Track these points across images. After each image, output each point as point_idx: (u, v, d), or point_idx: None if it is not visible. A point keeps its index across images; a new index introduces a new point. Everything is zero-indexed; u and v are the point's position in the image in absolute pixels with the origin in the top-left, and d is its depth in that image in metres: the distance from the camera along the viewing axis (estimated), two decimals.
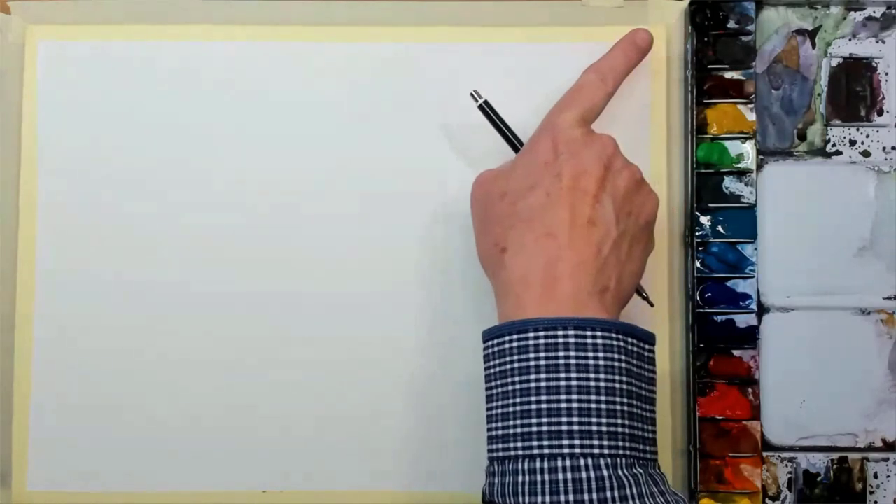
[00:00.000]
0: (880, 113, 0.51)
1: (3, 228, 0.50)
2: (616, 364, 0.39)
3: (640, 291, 0.47)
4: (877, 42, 0.51)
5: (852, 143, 0.51)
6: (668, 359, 0.49)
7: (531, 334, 0.39)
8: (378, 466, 0.49)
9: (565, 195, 0.42)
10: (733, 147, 0.50)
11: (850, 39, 0.51)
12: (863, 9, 0.51)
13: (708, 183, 0.50)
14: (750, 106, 0.50)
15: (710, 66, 0.50)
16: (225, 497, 0.49)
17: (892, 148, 0.51)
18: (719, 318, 0.49)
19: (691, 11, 0.50)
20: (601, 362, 0.39)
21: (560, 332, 0.39)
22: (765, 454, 0.49)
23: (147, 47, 0.51)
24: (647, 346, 0.41)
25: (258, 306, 0.50)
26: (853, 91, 0.51)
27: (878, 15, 0.51)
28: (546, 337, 0.39)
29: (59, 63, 0.51)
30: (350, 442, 0.50)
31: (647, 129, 0.50)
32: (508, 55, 0.51)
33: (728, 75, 0.50)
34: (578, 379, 0.38)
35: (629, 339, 0.40)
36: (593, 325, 0.39)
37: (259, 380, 0.50)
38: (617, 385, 0.39)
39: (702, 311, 0.49)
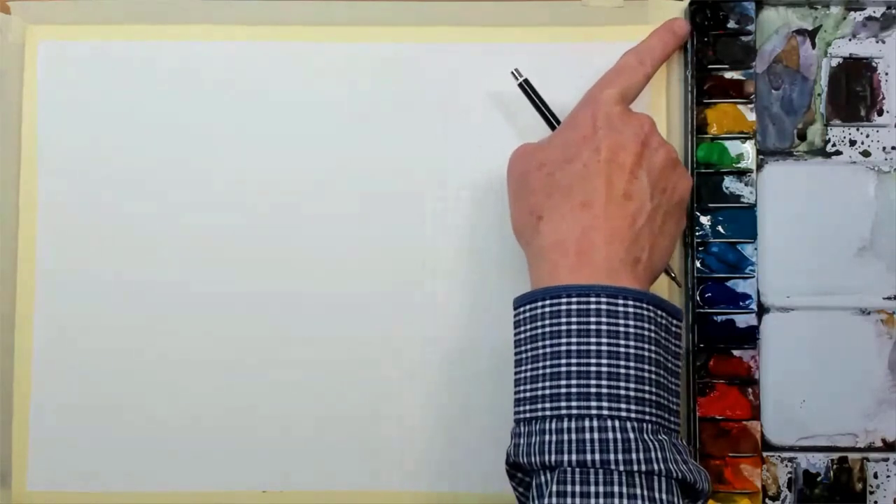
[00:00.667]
0: (880, 113, 0.51)
1: (3, 228, 0.50)
2: (646, 333, 0.40)
3: (668, 271, 0.48)
4: (877, 42, 0.51)
5: (852, 143, 0.51)
6: None
7: (564, 300, 0.40)
8: (378, 466, 0.49)
9: (603, 168, 0.42)
10: (733, 147, 0.50)
11: (850, 39, 0.51)
12: (863, 9, 0.51)
13: (708, 183, 0.50)
14: (750, 106, 0.50)
15: (710, 66, 0.50)
16: (225, 497, 0.49)
17: (892, 148, 0.51)
18: (719, 318, 0.49)
19: (691, 11, 0.50)
20: (631, 330, 0.40)
21: (593, 299, 0.40)
22: (765, 454, 0.49)
23: (147, 47, 0.51)
24: (674, 321, 0.42)
25: (258, 306, 0.50)
26: (853, 91, 0.51)
27: (878, 15, 0.51)
28: (578, 303, 0.40)
29: (59, 63, 0.51)
30: (350, 442, 0.50)
31: None
32: (508, 55, 0.50)
33: (728, 75, 0.50)
34: (609, 344, 0.39)
35: (659, 311, 0.41)
36: (625, 293, 0.40)
37: (259, 380, 0.50)
38: (646, 353, 0.40)
39: (702, 311, 0.49)
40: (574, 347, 0.39)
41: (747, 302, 0.50)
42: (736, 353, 0.49)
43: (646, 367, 0.39)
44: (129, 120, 0.51)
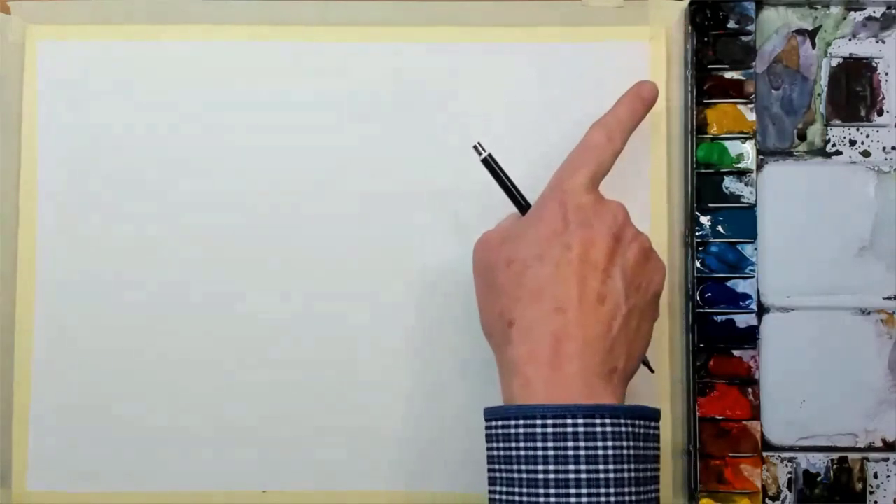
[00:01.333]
0: (880, 113, 0.51)
1: (3, 228, 0.50)
2: (625, 452, 0.39)
3: (643, 360, 0.46)
4: (877, 42, 0.51)
5: (852, 143, 0.51)
6: (668, 359, 0.49)
7: (539, 421, 0.38)
8: (378, 466, 0.49)
9: (575, 269, 0.41)
10: (733, 147, 0.50)
11: (850, 39, 0.51)
12: (863, 9, 0.51)
13: (708, 183, 0.50)
14: (750, 106, 0.50)
15: (710, 66, 0.50)
16: (225, 497, 0.49)
17: (892, 148, 0.51)
18: (719, 318, 0.49)
19: (691, 11, 0.50)
20: (610, 452, 0.38)
21: (569, 421, 0.38)
22: (765, 454, 0.49)
23: (147, 47, 0.51)
24: (652, 424, 0.41)
25: (257, 306, 0.50)
26: (853, 91, 0.51)
27: (878, 15, 0.51)
28: (554, 426, 0.38)
29: (59, 63, 0.51)
30: (350, 442, 0.49)
31: (647, 129, 0.50)
32: (508, 55, 0.50)
33: (728, 75, 0.50)
34: (588, 472, 0.38)
35: (637, 422, 0.39)
36: (602, 411, 0.38)
37: (259, 380, 0.50)
38: (625, 475, 0.38)
39: (702, 311, 0.49)
40: (552, 476, 0.38)
41: (747, 302, 0.50)
42: (736, 353, 0.49)
43: (626, 489, 0.38)
44: (129, 120, 0.51)
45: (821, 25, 0.51)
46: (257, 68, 0.51)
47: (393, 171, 0.50)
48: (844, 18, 0.51)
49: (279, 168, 0.51)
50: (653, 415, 0.41)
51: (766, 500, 0.49)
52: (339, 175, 0.50)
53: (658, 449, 0.41)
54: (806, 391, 0.50)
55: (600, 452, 0.38)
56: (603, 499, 0.38)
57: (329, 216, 0.50)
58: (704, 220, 0.50)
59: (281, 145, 0.51)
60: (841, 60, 0.51)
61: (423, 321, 0.50)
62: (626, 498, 0.38)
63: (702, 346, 0.49)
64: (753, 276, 0.50)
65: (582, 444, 0.38)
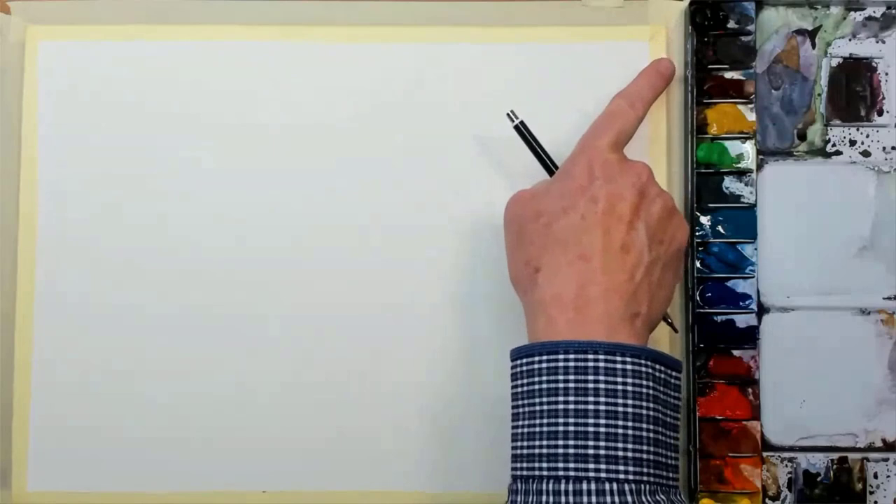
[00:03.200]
0: (880, 113, 0.51)
1: (3, 228, 0.50)
2: (644, 390, 0.40)
3: (665, 317, 0.47)
4: (877, 42, 0.51)
5: (852, 143, 0.51)
6: None
7: (561, 356, 0.40)
8: (378, 466, 0.49)
9: (600, 220, 0.42)
10: (733, 147, 0.50)
11: (850, 39, 0.51)
12: (863, 9, 0.51)
13: (708, 183, 0.50)
14: (750, 106, 0.50)
15: (710, 66, 0.50)
16: (225, 497, 0.49)
17: (892, 148, 0.51)
18: (719, 318, 0.49)
19: (691, 11, 0.50)
20: (629, 388, 0.39)
21: (590, 356, 0.40)
22: (765, 454, 0.49)
23: (147, 47, 0.51)
24: (673, 373, 0.41)
25: (258, 309, 0.50)
26: (853, 91, 0.51)
27: (878, 15, 0.51)
28: (576, 360, 0.40)
29: (59, 63, 0.51)
30: (349, 442, 0.49)
31: (647, 129, 0.50)
32: (508, 55, 0.50)
33: (728, 75, 0.50)
34: (607, 404, 0.39)
35: (657, 366, 0.40)
36: (623, 350, 0.40)
37: (259, 380, 0.50)
38: (644, 411, 0.39)
39: (702, 311, 0.49)
40: (572, 406, 0.39)
41: (747, 302, 0.50)
42: (736, 353, 0.49)
43: (644, 425, 0.39)
44: (130, 120, 0.51)
45: (821, 25, 0.51)
46: (257, 68, 0.51)
47: (393, 172, 0.50)
48: (844, 18, 0.51)
49: (279, 168, 0.50)
50: (674, 364, 0.42)
51: (766, 500, 0.49)
52: (339, 175, 0.50)
53: (679, 399, 0.42)
54: (806, 391, 0.50)
55: (619, 387, 0.39)
56: (620, 430, 0.39)
57: (328, 218, 0.50)
58: (704, 220, 0.50)
59: (281, 145, 0.51)
60: (841, 60, 0.51)
61: (424, 323, 0.50)
62: (644, 434, 0.39)
63: (702, 346, 0.49)
64: (753, 276, 0.50)
65: (602, 377, 0.39)
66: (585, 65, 0.50)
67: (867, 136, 0.51)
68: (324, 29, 0.51)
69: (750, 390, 0.49)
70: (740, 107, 0.50)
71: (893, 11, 0.51)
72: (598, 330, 0.40)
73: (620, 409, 0.39)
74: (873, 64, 0.51)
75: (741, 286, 0.50)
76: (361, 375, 0.50)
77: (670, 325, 0.48)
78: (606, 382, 0.39)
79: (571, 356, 0.40)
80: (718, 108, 0.50)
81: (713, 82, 0.50)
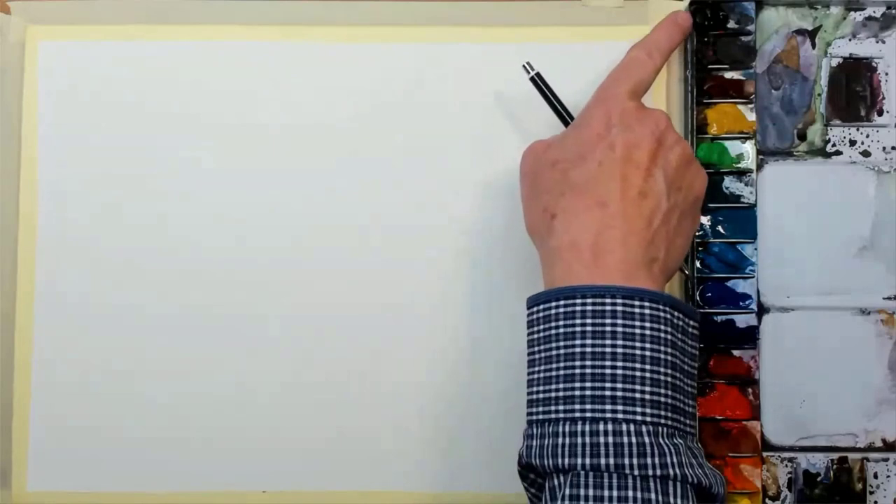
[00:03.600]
0: (880, 113, 0.51)
1: (3, 228, 0.50)
2: (662, 335, 0.39)
3: (681, 267, 0.47)
4: (877, 42, 0.51)
5: (852, 143, 0.51)
6: None
7: (579, 300, 0.40)
8: (378, 466, 0.49)
9: (618, 166, 0.42)
10: (733, 147, 0.50)
11: (850, 39, 0.51)
12: (863, 9, 0.51)
13: (708, 183, 0.50)
14: (750, 106, 0.50)
15: (710, 66, 0.50)
16: (225, 497, 0.49)
17: (892, 148, 0.51)
18: (719, 318, 0.49)
19: (691, 11, 0.50)
20: (647, 332, 0.39)
21: (608, 300, 0.39)
22: (765, 454, 0.49)
23: (147, 47, 0.51)
24: (690, 322, 0.41)
25: (258, 308, 0.50)
26: (853, 91, 0.51)
27: (878, 15, 0.51)
28: (594, 304, 0.39)
29: (59, 63, 0.51)
30: (350, 442, 0.49)
31: None
32: (508, 55, 0.50)
33: (728, 75, 0.50)
34: (624, 346, 0.39)
35: (675, 313, 0.40)
36: (641, 295, 0.39)
37: (259, 380, 0.50)
38: (662, 356, 0.39)
39: (702, 311, 0.49)
40: (589, 349, 0.39)
41: (747, 302, 0.50)
42: (736, 353, 0.49)
43: (661, 369, 0.39)
44: (130, 120, 0.51)
45: (821, 25, 0.51)
46: (257, 68, 0.51)
47: (393, 171, 0.50)
48: (844, 18, 0.51)
49: (279, 168, 0.50)
50: (691, 312, 0.41)
51: (766, 500, 0.49)
52: (340, 175, 0.50)
53: (696, 348, 0.42)
54: (806, 391, 0.50)
55: (637, 331, 0.39)
56: (638, 373, 0.39)
57: (328, 217, 0.50)
58: (704, 220, 0.50)
59: (281, 145, 0.51)
60: (841, 60, 0.51)
61: (425, 322, 0.50)
62: (661, 377, 0.39)
63: (702, 346, 0.49)
64: (753, 276, 0.50)
65: (620, 321, 0.39)
66: (585, 65, 0.50)
67: (867, 136, 0.51)
68: (324, 29, 0.51)
69: (750, 390, 0.49)
70: (740, 107, 0.50)
71: (893, 11, 0.51)
72: (615, 275, 0.40)
73: (638, 352, 0.39)
74: (873, 64, 0.51)
75: (741, 286, 0.50)
76: (361, 375, 0.50)
77: (682, 272, 0.48)
78: (624, 326, 0.39)
79: (589, 300, 0.39)
80: (718, 108, 0.50)
81: (713, 82, 0.50)
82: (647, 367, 0.39)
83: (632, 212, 0.41)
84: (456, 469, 0.49)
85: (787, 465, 0.49)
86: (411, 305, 0.50)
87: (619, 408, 0.38)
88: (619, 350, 0.39)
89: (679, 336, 0.40)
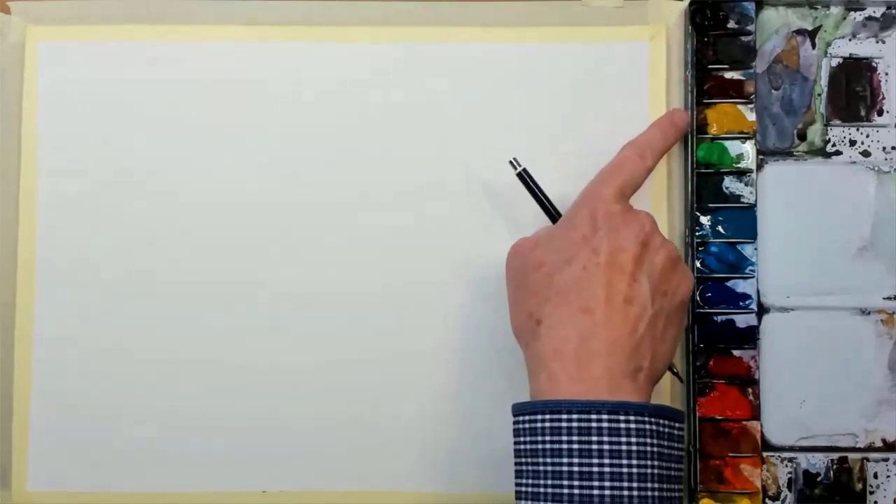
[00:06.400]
0: (880, 113, 0.51)
1: (3, 228, 0.50)
2: (648, 449, 0.39)
3: (671, 367, 0.47)
4: (877, 42, 0.51)
5: (852, 143, 0.51)
6: None
7: (564, 416, 0.39)
8: (378, 466, 0.49)
9: (602, 271, 0.42)
10: (733, 147, 0.50)
11: (850, 39, 0.51)
12: (863, 9, 0.51)
13: (708, 183, 0.50)
14: (750, 106, 0.50)
15: (710, 66, 0.50)
16: (225, 497, 0.49)
17: (892, 148, 0.51)
18: (719, 318, 0.49)
19: (691, 11, 0.50)
20: (634, 448, 0.39)
21: (594, 416, 0.39)
22: (765, 454, 0.49)
23: (147, 47, 0.51)
24: (676, 425, 0.41)
25: (258, 308, 0.50)
26: (853, 91, 0.51)
27: (878, 15, 0.51)
28: (580, 420, 0.39)
29: (59, 63, 0.51)
30: (350, 442, 0.50)
31: None
32: (508, 55, 0.50)
33: (728, 75, 0.50)
34: (612, 465, 0.39)
35: (661, 421, 0.40)
36: (627, 408, 0.39)
37: (259, 380, 0.50)
38: (649, 470, 0.39)
39: (702, 311, 0.49)
40: (576, 468, 0.39)
41: (747, 302, 0.50)
42: (736, 353, 0.49)
43: (649, 484, 0.39)
44: (129, 120, 0.51)
45: (821, 25, 0.51)
46: (257, 68, 0.51)
47: (393, 171, 0.50)
48: (844, 18, 0.51)
49: (279, 168, 0.50)
50: (677, 416, 0.41)
51: (766, 500, 0.49)
52: (340, 174, 0.50)
53: (681, 450, 0.42)
54: (806, 391, 0.50)
55: (624, 448, 0.39)
56: (626, 492, 0.38)
57: (329, 216, 0.50)
58: (704, 220, 0.50)
59: (281, 145, 0.51)
60: (841, 60, 0.51)
61: (424, 321, 0.50)
62: (649, 493, 0.39)
63: (702, 346, 0.49)
64: (753, 276, 0.50)
65: (606, 438, 0.39)
66: (585, 65, 0.50)
67: (867, 136, 0.51)
68: (324, 29, 0.51)
69: (750, 390, 0.49)
70: (740, 107, 0.50)
71: (893, 11, 0.51)
72: (600, 386, 0.40)
73: (625, 469, 0.39)
74: (873, 64, 0.51)
75: (741, 286, 0.50)
76: (361, 376, 0.50)
77: (675, 374, 0.48)
78: (611, 444, 0.39)
79: (575, 416, 0.39)
80: (718, 108, 0.50)
81: (713, 82, 0.50)
82: (635, 484, 0.39)
83: (616, 319, 0.41)
84: (456, 469, 0.49)
85: (787, 465, 0.49)
86: (411, 306, 0.50)
87: None
88: (607, 469, 0.39)
89: (665, 444, 0.40)
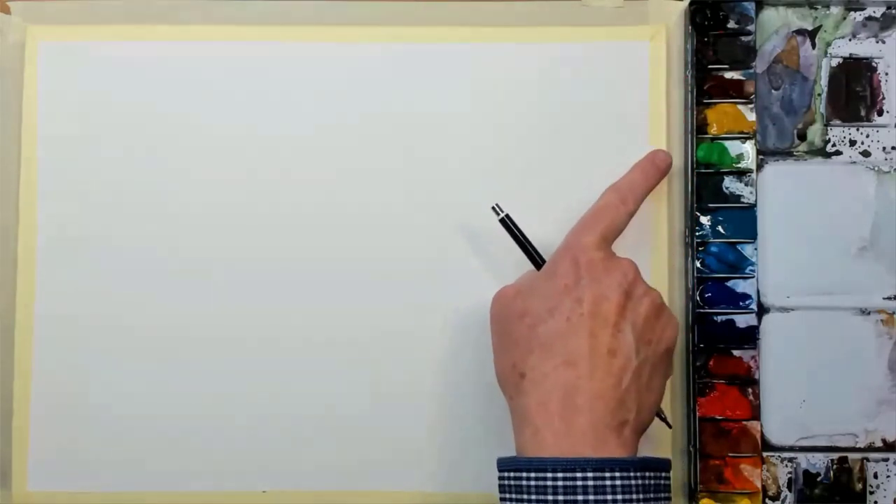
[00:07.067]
0: (880, 113, 0.51)
1: (3, 229, 0.50)
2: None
3: (658, 413, 0.46)
4: (877, 42, 0.51)
5: (852, 143, 0.51)
6: None
7: (549, 474, 0.39)
8: (378, 466, 0.49)
9: (586, 322, 0.41)
10: (733, 147, 0.50)
11: (850, 39, 0.51)
12: (863, 9, 0.51)
13: (708, 183, 0.50)
14: (750, 106, 0.50)
15: (710, 66, 0.50)
16: (225, 497, 0.49)
17: (892, 148, 0.51)
18: (719, 318, 0.49)
19: (691, 11, 0.50)
20: None
21: (579, 475, 0.39)
22: (765, 454, 0.49)
23: (147, 47, 0.51)
24: (662, 475, 0.41)
25: (258, 308, 0.50)
26: (853, 91, 0.51)
27: (878, 15, 0.51)
28: (565, 479, 0.39)
29: (59, 63, 0.51)
30: (350, 442, 0.49)
31: (647, 128, 0.50)
32: (508, 55, 0.50)
33: (728, 75, 0.50)
34: None
35: (646, 474, 0.40)
36: (612, 465, 0.39)
37: (259, 380, 0.50)
38: None
39: (702, 311, 0.49)
40: None
41: (747, 302, 0.50)
42: (736, 353, 0.49)
43: None
44: (129, 120, 0.51)
45: (821, 25, 0.51)
46: (257, 68, 0.51)
47: (393, 170, 0.50)
48: (844, 18, 0.51)
49: (279, 168, 0.50)
50: (663, 465, 0.41)
51: (766, 500, 0.49)
52: (340, 174, 0.50)
53: (669, 498, 0.41)
54: (806, 391, 0.50)
55: None
56: None
57: (330, 216, 0.50)
58: (704, 220, 0.50)
59: (281, 145, 0.51)
60: (841, 60, 0.51)
61: (424, 321, 0.50)
62: None
63: (702, 346, 0.49)
64: (753, 276, 0.50)
65: (591, 497, 0.39)
66: (585, 65, 0.50)
67: (867, 136, 0.51)
68: (323, 29, 0.51)
69: (750, 390, 0.49)
70: (740, 107, 0.50)
71: (893, 11, 0.51)
72: (585, 442, 0.40)
73: None
74: (873, 64, 0.51)
75: (741, 286, 0.50)
76: (362, 376, 0.50)
77: (664, 420, 0.47)
78: (596, 502, 0.39)
79: (560, 474, 0.39)
80: (718, 108, 0.50)
81: (713, 82, 0.50)
82: None
83: (601, 373, 0.41)
84: (456, 469, 0.49)
85: (787, 465, 0.49)
86: (411, 306, 0.50)
87: None
88: None
89: (652, 495, 0.40)
